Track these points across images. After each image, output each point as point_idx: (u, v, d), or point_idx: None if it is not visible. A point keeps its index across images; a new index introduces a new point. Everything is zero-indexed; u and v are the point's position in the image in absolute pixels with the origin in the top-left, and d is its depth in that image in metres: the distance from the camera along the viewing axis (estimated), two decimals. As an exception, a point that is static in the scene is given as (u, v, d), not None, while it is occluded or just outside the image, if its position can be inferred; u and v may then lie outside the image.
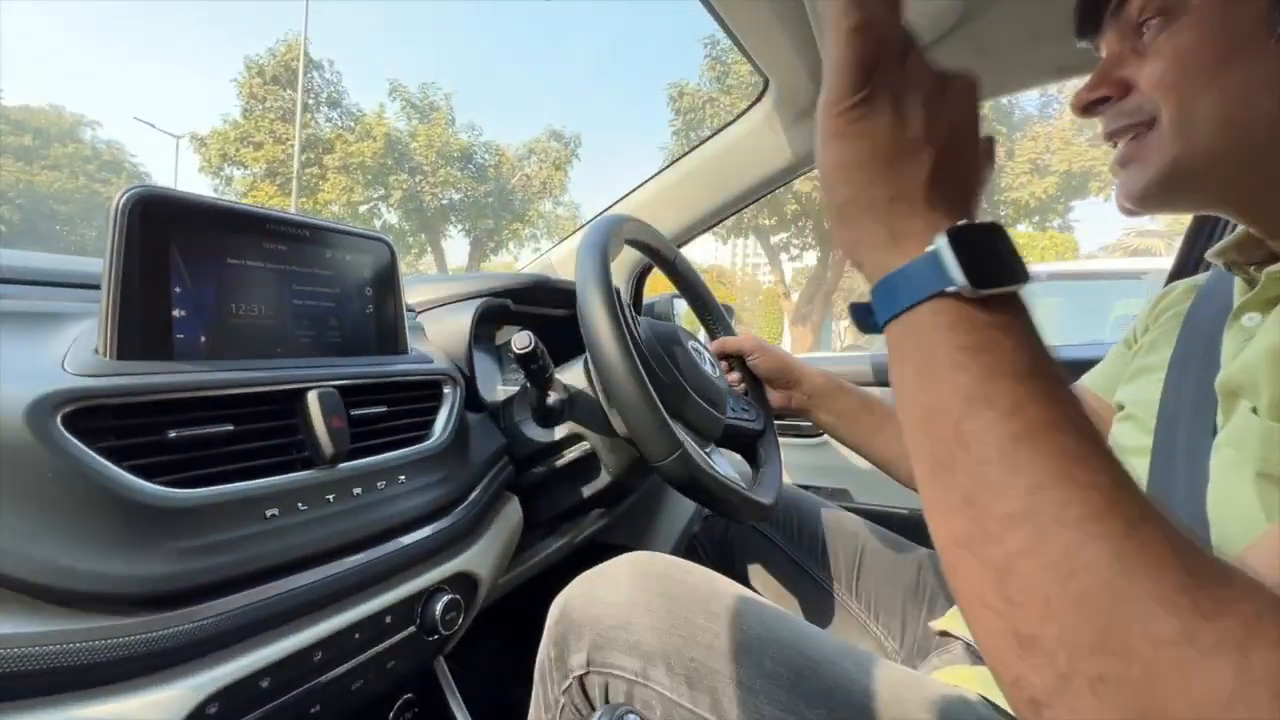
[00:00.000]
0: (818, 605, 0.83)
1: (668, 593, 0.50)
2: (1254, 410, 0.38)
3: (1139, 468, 0.48)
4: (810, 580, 0.84)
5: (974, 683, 0.57)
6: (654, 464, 0.63)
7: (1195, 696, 0.20)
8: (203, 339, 0.49)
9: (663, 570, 0.53)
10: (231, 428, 0.48)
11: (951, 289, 0.28)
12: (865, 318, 0.32)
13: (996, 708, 0.54)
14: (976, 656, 0.64)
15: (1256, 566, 0.30)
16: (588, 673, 0.48)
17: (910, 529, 0.93)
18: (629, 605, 0.49)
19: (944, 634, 0.71)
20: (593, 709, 0.47)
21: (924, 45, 0.85)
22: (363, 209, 17.13)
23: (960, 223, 0.29)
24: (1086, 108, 0.47)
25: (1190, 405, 0.45)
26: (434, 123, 17.12)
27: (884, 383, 1.19)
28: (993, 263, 0.28)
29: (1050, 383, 0.27)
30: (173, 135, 23.70)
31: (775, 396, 0.90)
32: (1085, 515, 0.24)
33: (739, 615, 0.48)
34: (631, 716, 0.43)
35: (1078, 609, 0.23)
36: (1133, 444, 0.49)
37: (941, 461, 0.28)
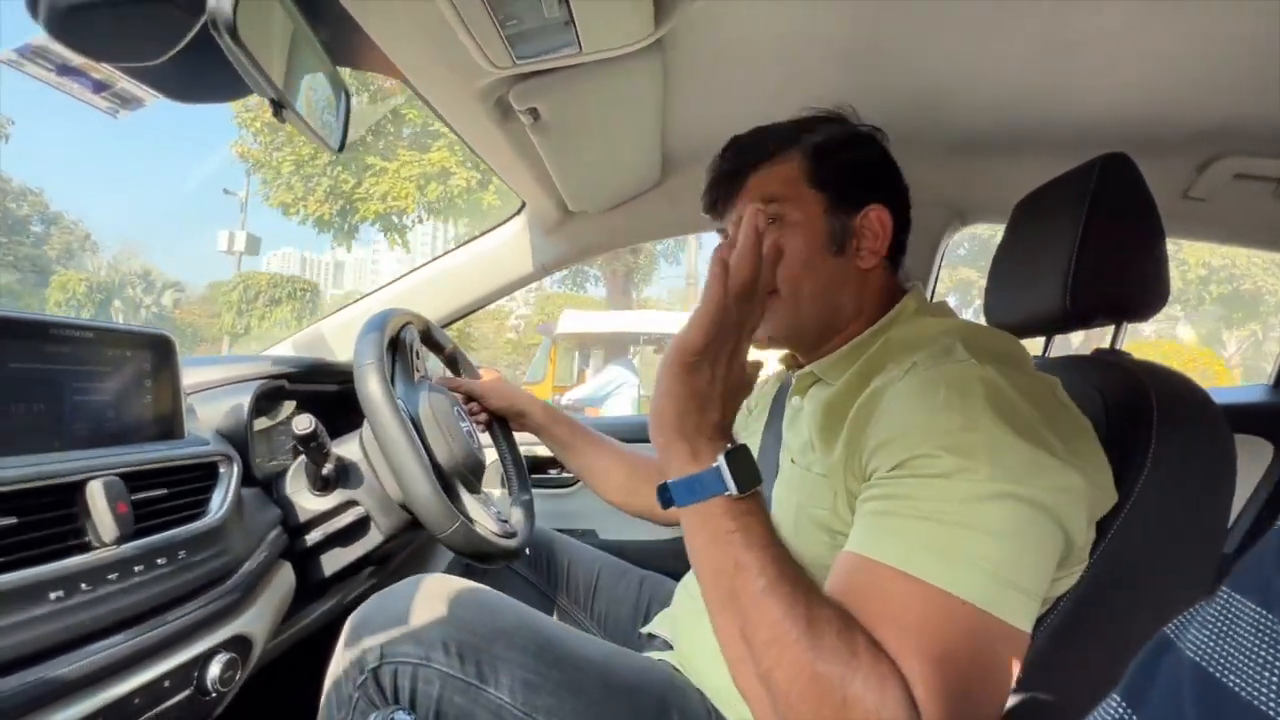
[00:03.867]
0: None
1: (444, 597, 0.66)
2: (792, 461, 0.66)
3: None
4: (553, 606, 1.04)
5: (668, 659, 0.82)
6: (437, 536, 0.79)
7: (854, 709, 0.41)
8: (-21, 439, 0.53)
9: (441, 582, 0.69)
10: (14, 520, 0.53)
11: (728, 493, 0.47)
12: (666, 499, 0.49)
13: (675, 670, 0.78)
14: (668, 646, 0.88)
15: (833, 581, 0.50)
16: (380, 665, 0.60)
17: (643, 556, 1.19)
18: (414, 609, 0.64)
19: (651, 635, 0.95)
20: (384, 696, 0.60)
21: (632, 198, 1.18)
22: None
23: (730, 448, 0.48)
24: None
25: (770, 455, 0.75)
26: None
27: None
28: (748, 473, 0.47)
29: (776, 548, 0.47)
30: None
31: (513, 424, 1.10)
32: (800, 634, 0.43)
33: (498, 610, 0.66)
34: (400, 713, 0.58)
35: (807, 690, 0.42)
36: None
37: (723, 604, 0.47)
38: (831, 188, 0.67)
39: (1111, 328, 0.78)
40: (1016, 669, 0.46)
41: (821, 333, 0.70)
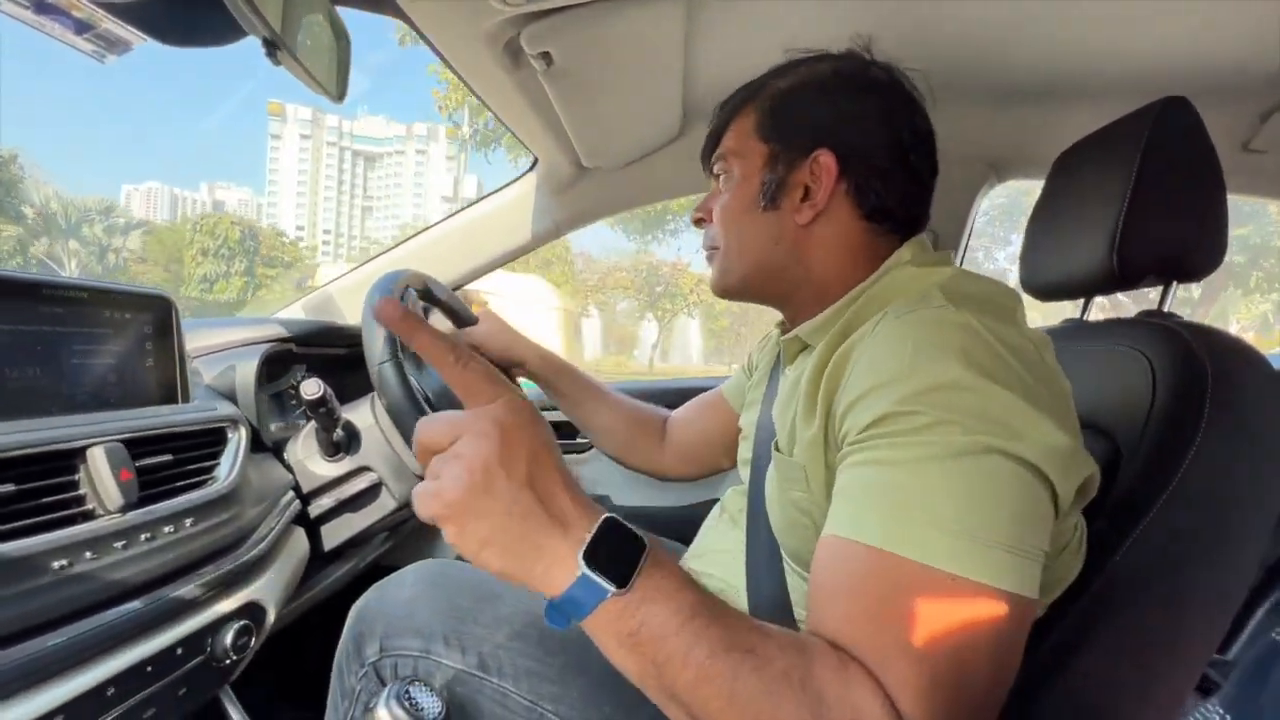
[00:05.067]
0: None
1: (445, 586, 0.64)
2: (777, 446, 0.62)
3: (745, 476, 0.73)
4: None
5: None
6: None
7: None
8: (-27, 404, 0.51)
9: (441, 570, 0.67)
10: (13, 487, 0.51)
11: (609, 595, 0.37)
12: (559, 621, 0.40)
13: None
14: None
15: (814, 571, 0.46)
16: (380, 658, 0.59)
17: (658, 522, 1.17)
18: (414, 600, 0.62)
19: None
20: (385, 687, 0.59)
21: (650, 153, 1.11)
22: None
23: (586, 541, 0.37)
24: (696, 222, 0.70)
25: (767, 433, 0.71)
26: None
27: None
28: (623, 558, 0.38)
29: (697, 621, 0.38)
30: None
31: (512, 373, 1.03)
32: (757, 709, 0.37)
33: (500, 597, 0.64)
34: (415, 686, 0.56)
35: None
36: (744, 457, 0.76)
37: (664, 702, 0.40)
38: (776, 137, 0.62)
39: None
40: (1024, 636, 0.42)
41: (768, 292, 0.67)
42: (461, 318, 0.98)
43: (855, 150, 0.60)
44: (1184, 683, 0.61)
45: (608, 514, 0.39)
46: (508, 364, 1.03)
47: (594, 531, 0.38)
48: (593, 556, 0.38)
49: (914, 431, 0.43)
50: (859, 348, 0.50)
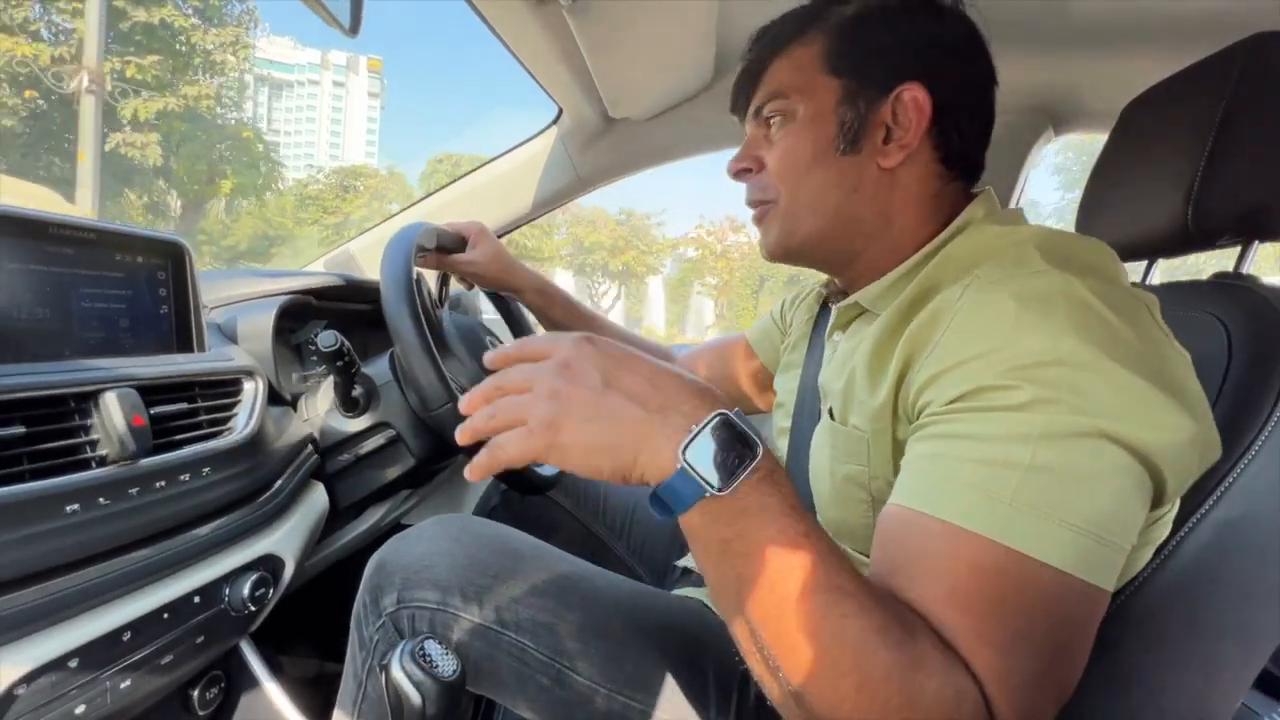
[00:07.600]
0: (595, 554, 1.00)
1: (464, 539, 0.62)
2: (830, 413, 0.58)
3: (782, 446, 0.70)
4: (591, 535, 1.01)
5: (701, 596, 0.78)
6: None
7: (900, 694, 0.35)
8: (-19, 344, 0.50)
9: (462, 524, 0.65)
10: (24, 429, 0.50)
11: (706, 493, 0.37)
12: (661, 511, 0.39)
13: (707, 607, 0.74)
14: (703, 581, 0.85)
15: (879, 544, 0.43)
16: (397, 610, 0.58)
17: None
18: (432, 552, 0.60)
19: (686, 570, 0.91)
20: (402, 639, 0.58)
21: (680, 103, 1.04)
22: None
23: (691, 434, 0.37)
24: (737, 174, 0.62)
25: (809, 400, 0.67)
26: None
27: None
28: (727, 459, 0.37)
29: (796, 552, 0.36)
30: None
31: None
32: (835, 657, 0.35)
33: (520, 552, 0.62)
34: (430, 642, 0.55)
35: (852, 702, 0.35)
36: (781, 425, 0.72)
37: (732, 619, 0.39)
38: (851, 71, 0.55)
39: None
40: (1095, 629, 0.40)
41: (837, 251, 0.60)
42: (450, 249, 0.95)
43: (943, 84, 0.54)
44: (1245, 674, 0.57)
45: (723, 410, 0.38)
46: (503, 290, 1.01)
47: (701, 425, 0.37)
48: (695, 450, 0.37)
49: (1011, 408, 0.39)
50: (945, 316, 0.45)
